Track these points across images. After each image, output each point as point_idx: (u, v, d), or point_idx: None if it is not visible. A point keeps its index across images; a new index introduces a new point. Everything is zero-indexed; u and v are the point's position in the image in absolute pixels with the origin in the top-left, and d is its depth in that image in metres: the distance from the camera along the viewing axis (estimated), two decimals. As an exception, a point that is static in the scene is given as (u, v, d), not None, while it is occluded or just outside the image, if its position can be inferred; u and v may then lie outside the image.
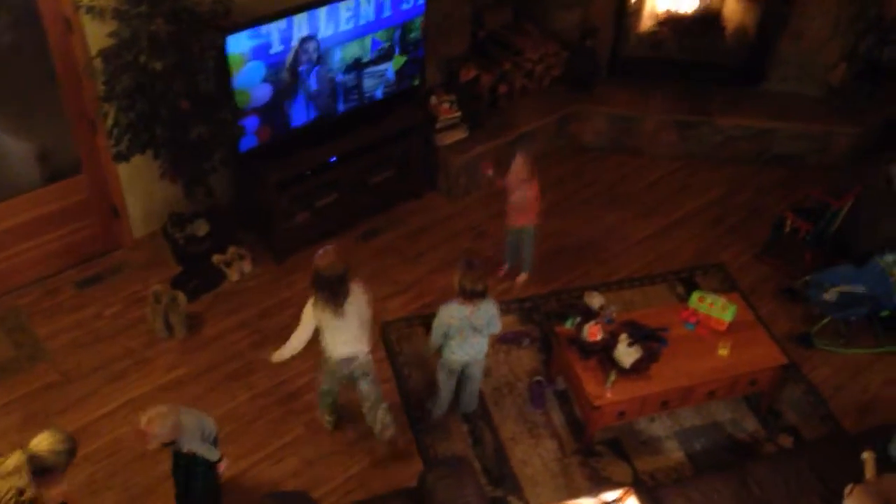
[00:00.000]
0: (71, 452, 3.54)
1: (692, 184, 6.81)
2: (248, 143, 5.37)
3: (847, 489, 3.91)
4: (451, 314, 4.47)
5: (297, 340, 4.38)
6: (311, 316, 4.31)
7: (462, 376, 4.82)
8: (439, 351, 4.69)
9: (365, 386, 4.57)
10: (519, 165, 5.30)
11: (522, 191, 5.37)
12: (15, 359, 5.17)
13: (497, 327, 4.61)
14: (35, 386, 5.04)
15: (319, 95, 5.55)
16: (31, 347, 5.23)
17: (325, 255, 4.20)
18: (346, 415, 4.94)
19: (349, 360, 4.42)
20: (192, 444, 4.03)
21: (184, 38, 4.73)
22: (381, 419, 4.64)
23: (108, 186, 5.56)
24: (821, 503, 4.18)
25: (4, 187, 5.28)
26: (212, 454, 4.15)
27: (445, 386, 4.85)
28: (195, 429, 4.04)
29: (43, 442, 3.47)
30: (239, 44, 4.94)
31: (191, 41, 4.77)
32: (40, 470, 3.41)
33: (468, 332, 4.52)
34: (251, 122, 5.30)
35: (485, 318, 4.50)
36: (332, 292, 4.20)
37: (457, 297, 4.42)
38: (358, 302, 4.33)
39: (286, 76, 5.29)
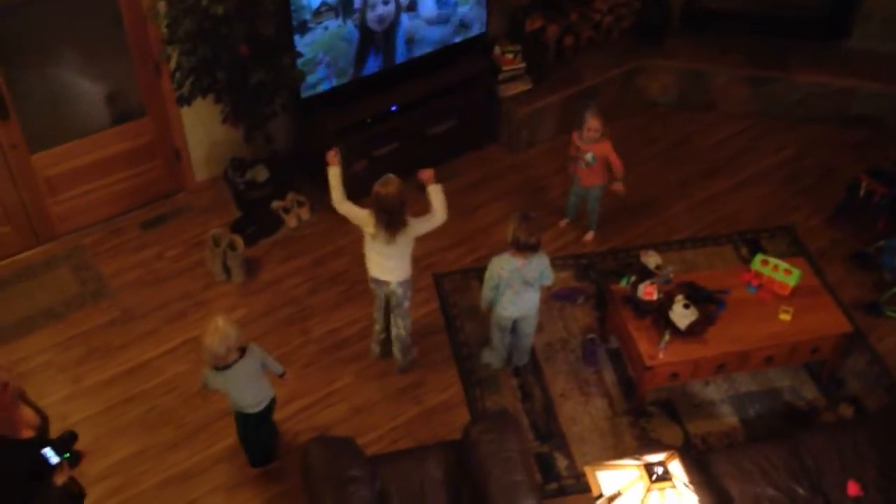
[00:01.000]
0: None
1: (763, 143, 6.56)
2: (321, 86, 5.42)
3: (905, 463, 3.80)
4: (502, 265, 4.45)
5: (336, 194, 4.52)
6: (365, 214, 4.39)
7: (514, 331, 4.79)
8: (492, 305, 4.67)
9: (397, 311, 4.72)
10: (591, 124, 5.19)
11: (594, 150, 5.28)
12: (80, 295, 5.33)
13: (550, 279, 4.58)
14: (98, 322, 5.20)
15: (386, 42, 5.51)
16: (95, 285, 5.39)
17: (386, 183, 4.24)
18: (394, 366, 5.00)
19: (379, 282, 4.59)
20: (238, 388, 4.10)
21: (245, -19, 4.72)
22: (395, 353, 4.91)
23: (171, 129, 5.63)
24: (877, 475, 4.05)
25: (74, 128, 5.40)
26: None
27: (499, 341, 4.85)
28: (246, 385, 4.11)
29: None
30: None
31: (252, -15, 4.76)
32: None
33: (519, 286, 4.49)
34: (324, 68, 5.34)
35: (536, 271, 4.47)
36: (389, 221, 4.28)
37: (509, 249, 4.39)
38: (408, 237, 4.39)
39: (360, 22, 5.30)
